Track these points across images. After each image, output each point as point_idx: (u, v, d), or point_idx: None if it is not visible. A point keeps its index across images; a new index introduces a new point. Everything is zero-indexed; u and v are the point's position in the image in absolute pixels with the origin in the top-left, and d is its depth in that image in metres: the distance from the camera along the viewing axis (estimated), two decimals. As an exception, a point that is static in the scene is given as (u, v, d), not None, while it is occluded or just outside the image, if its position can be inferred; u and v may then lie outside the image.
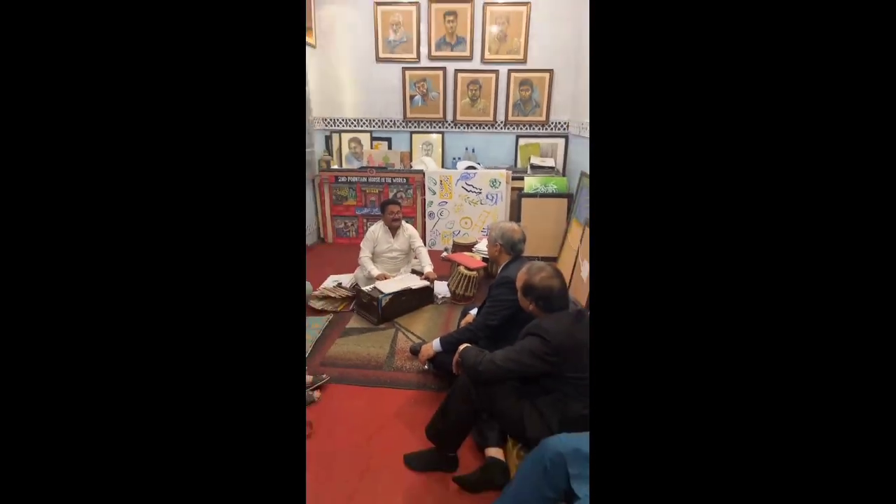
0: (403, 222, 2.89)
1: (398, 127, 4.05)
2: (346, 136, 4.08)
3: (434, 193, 3.71)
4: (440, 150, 4.05)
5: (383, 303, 2.39)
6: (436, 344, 1.82)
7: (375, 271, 2.69)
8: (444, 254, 3.56)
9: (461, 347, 1.47)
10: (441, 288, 2.81)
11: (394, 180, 3.75)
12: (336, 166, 4.05)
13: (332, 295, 2.60)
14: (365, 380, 1.88)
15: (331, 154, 4.10)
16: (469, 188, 3.67)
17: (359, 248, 2.84)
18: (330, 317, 2.45)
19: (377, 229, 2.82)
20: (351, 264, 3.14)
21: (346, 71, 3.91)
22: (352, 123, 4.08)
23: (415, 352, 2.03)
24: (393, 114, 4.01)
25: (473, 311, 2.00)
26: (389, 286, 2.50)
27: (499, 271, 1.84)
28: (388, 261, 2.86)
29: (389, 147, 4.10)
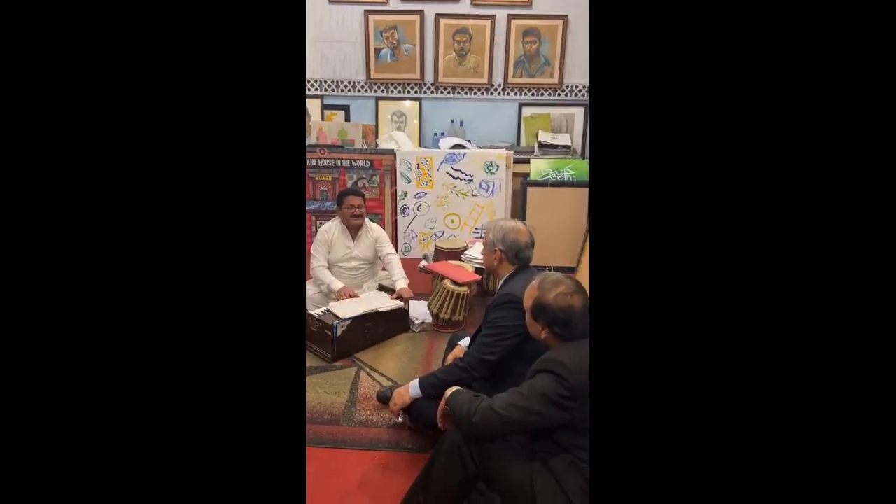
0: (367, 220, 2.90)
1: (359, 91, 4.05)
2: None
3: (409, 181, 3.73)
4: (416, 122, 4.07)
5: (339, 331, 2.39)
6: (413, 387, 1.83)
7: (337, 284, 2.69)
8: (423, 263, 3.55)
9: (448, 392, 1.48)
10: (419, 310, 2.81)
11: (353, 163, 3.76)
12: None
13: None
14: (315, 438, 1.87)
15: None
16: (456, 174, 3.70)
17: (308, 258, 2.84)
18: None
19: (331, 229, 2.82)
20: None
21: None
22: None
23: (384, 399, 2.04)
24: (352, 73, 4.02)
25: (465, 342, 2.00)
26: (348, 309, 2.50)
27: (498, 287, 1.86)
28: (347, 273, 2.86)
29: (347, 118, 4.11)
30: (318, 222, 3.83)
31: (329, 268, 2.84)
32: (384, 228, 3.70)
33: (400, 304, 2.63)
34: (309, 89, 4.06)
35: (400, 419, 1.93)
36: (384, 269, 2.94)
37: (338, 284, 2.69)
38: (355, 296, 2.65)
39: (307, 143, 3.90)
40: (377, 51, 3.94)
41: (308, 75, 4.03)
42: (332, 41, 3.96)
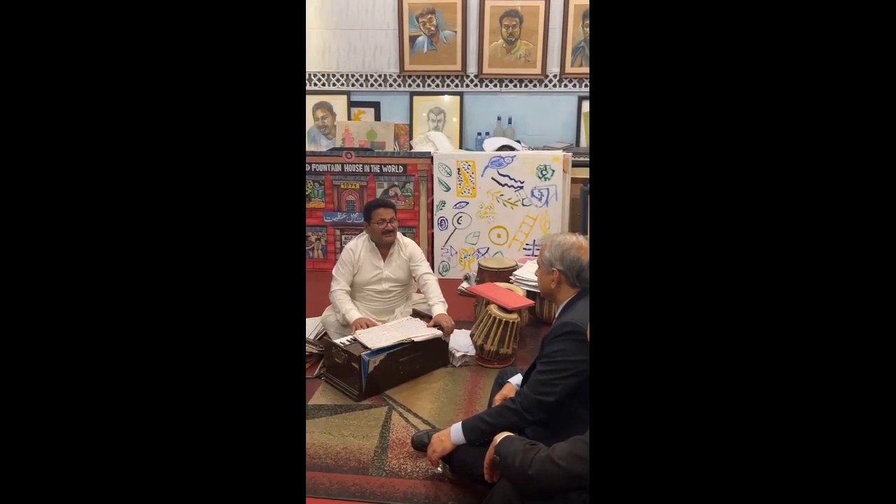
0: (400, 235, 2.93)
1: (391, 85, 4.15)
2: (309, 101, 4.21)
3: (448, 189, 3.77)
4: (457, 120, 4.13)
5: (370, 365, 2.40)
6: (455, 432, 1.81)
7: (354, 313, 2.72)
8: (465, 285, 3.56)
9: (498, 438, 1.47)
10: (461, 340, 2.81)
11: (384, 168, 3.82)
12: None
13: None
14: (341, 489, 1.88)
15: None
16: (504, 180, 3.72)
17: (329, 278, 2.89)
18: None
19: (358, 247, 2.86)
20: (316, 302, 3.21)
21: (311, 0, 4.06)
22: (319, 81, 4.20)
23: (420, 445, 2.04)
24: (383, 65, 4.11)
25: (515, 380, 1.99)
26: (378, 338, 2.51)
27: (557, 314, 1.84)
28: (376, 297, 2.89)
29: (377, 117, 4.19)
30: (342, 237, 3.91)
31: (354, 292, 2.88)
32: (419, 244, 3.72)
33: (438, 333, 2.63)
34: (334, 84, 4.19)
35: (439, 469, 1.92)
36: (419, 291, 2.96)
37: (354, 314, 2.69)
38: (371, 325, 2.67)
39: (332, 147, 4.02)
40: (412, 39, 4.03)
41: (333, 68, 4.16)
42: (360, 29, 4.07)
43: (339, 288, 2.80)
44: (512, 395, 1.81)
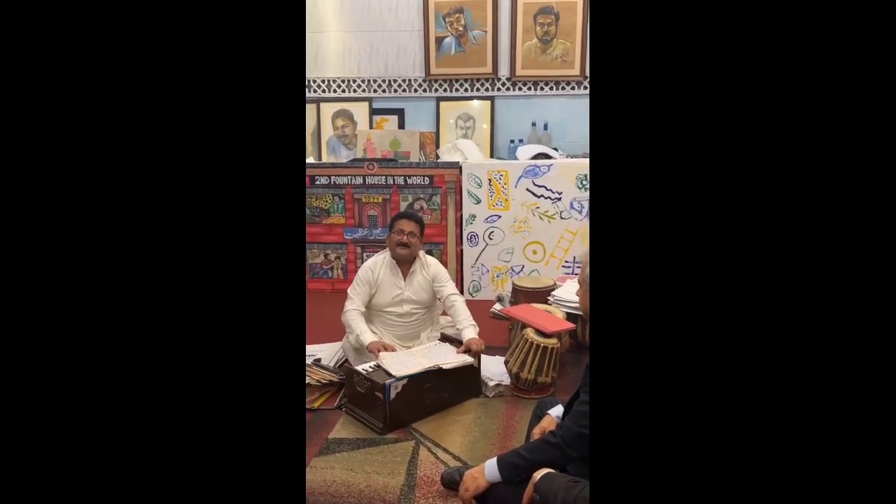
0: (422, 254, 2.94)
1: (416, 90, 4.20)
2: (328, 109, 4.28)
3: (478, 202, 3.79)
4: (488, 127, 4.15)
5: (393, 394, 2.39)
6: (489, 469, 1.79)
7: (368, 336, 2.72)
8: (498, 307, 3.53)
9: (537, 476, 1.46)
10: (494, 368, 2.80)
11: (409, 180, 3.86)
12: (311, 159, 4.22)
13: (307, 381, 2.66)
14: (363, 531, 1.90)
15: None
16: (540, 191, 3.73)
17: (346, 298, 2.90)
18: None
19: (377, 265, 2.88)
20: (336, 327, 3.22)
21: (329, 0, 4.13)
22: (339, 87, 4.27)
23: (451, 483, 2.03)
24: (407, 69, 4.17)
25: (556, 411, 1.97)
26: (403, 365, 2.51)
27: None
28: (398, 321, 2.91)
29: (401, 125, 4.24)
30: (364, 255, 3.94)
31: (371, 314, 2.89)
32: (446, 261, 3.81)
33: (469, 359, 2.62)
34: (355, 90, 4.25)
35: (471, 510, 1.92)
36: (446, 313, 2.96)
37: (368, 337, 2.69)
38: (389, 348, 2.66)
39: (354, 158, 4.07)
40: (439, 40, 4.06)
41: (354, 73, 4.21)
42: (383, 31, 4.12)
43: (352, 308, 2.81)
44: (552, 427, 1.81)
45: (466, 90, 4.16)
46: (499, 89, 4.13)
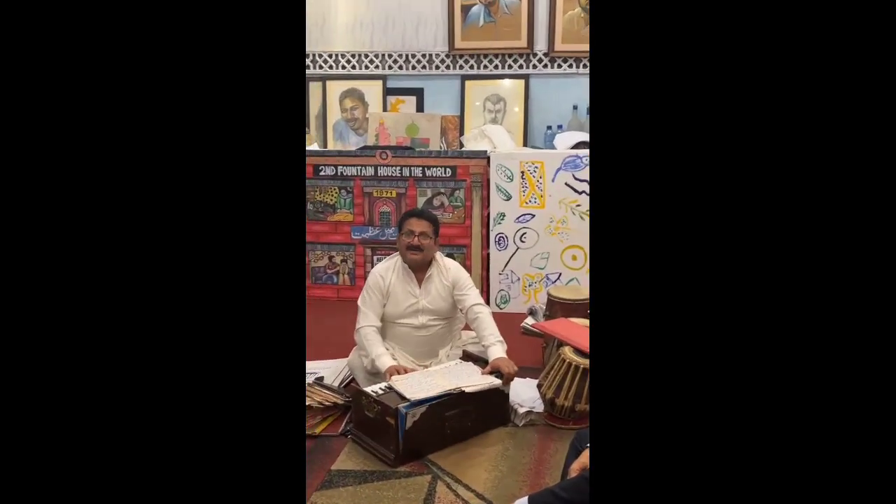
0: (440, 257, 2.92)
1: (438, 68, 4.19)
2: (335, 88, 4.29)
3: (508, 198, 3.77)
4: (521, 110, 4.12)
5: (408, 421, 2.37)
6: (519, 513, 1.68)
7: (386, 360, 2.70)
8: (530, 321, 3.47)
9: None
10: (525, 392, 2.75)
11: (428, 171, 3.86)
12: (315, 146, 4.21)
13: (308, 402, 2.64)
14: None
15: (307, 125, 4.26)
16: (580, 186, 3.70)
17: (355, 309, 2.88)
18: None
19: (389, 271, 2.86)
20: (341, 340, 3.19)
21: (339, -33, 4.17)
22: (348, 63, 4.28)
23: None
24: (428, 43, 4.17)
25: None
26: (419, 386, 2.49)
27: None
28: (413, 334, 2.87)
29: (420, 107, 4.25)
30: (375, 258, 3.90)
31: (388, 328, 2.86)
32: (471, 267, 3.76)
33: (495, 382, 2.59)
34: (367, 66, 4.23)
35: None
36: (469, 327, 2.92)
37: (386, 361, 2.68)
38: (412, 371, 2.66)
39: (363, 145, 4.04)
40: (465, 9, 4.06)
41: (366, 47, 4.21)
42: (400, 1, 4.13)
43: (367, 324, 2.80)
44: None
45: (496, 67, 4.12)
46: (534, 66, 4.08)
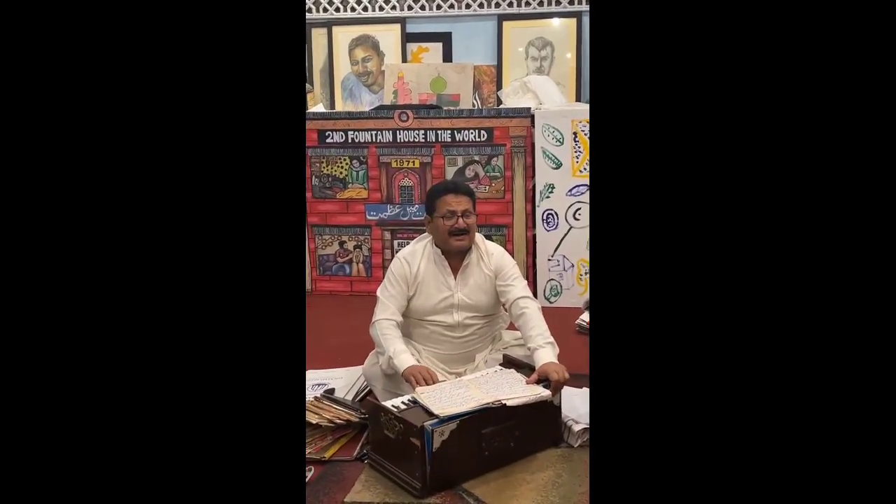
0: (481, 239, 2.94)
1: (468, 7, 4.20)
2: (344, 36, 4.34)
3: (559, 166, 3.79)
4: (573, 57, 4.14)
5: (437, 442, 2.39)
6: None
7: (406, 358, 2.73)
8: (585, 317, 3.54)
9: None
10: (580, 405, 2.77)
11: (459, 135, 3.87)
12: (320, 108, 4.27)
13: (313, 419, 2.69)
14: None
15: (308, 80, 4.33)
16: (648, 150, 3.71)
17: (373, 304, 2.91)
18: (308, 473, 2.50)
19: (416, 255, 2.90)
20: (355, 344, 3.24)
21: None
22: (357, 3, 4.30)
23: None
24: None
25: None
26: (450, 399, 2.52)
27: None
28: (446, 335, 2.91)
29: (447, 56, 4.27)
30: (395, 243, 3.97)
31: (415, 326, 2.90)
32: (513, 252, 3.78)
33: (544, 393, 2.59)
34: (380, 8, 4.26)
35: None
36: (513, 326, 2.95)
37: (406, 360, 2.71)
38: (434, 377, 2.66)
39: (380, 104, 4.08)
40: None
41: None
42: None
43: (384, 317, 2.82)
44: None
45: (542, 4, 4.13)
46: (589, 1, 4.04)
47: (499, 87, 4.14)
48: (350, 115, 4.02)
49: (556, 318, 3.16)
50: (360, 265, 4.09)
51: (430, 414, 2.41)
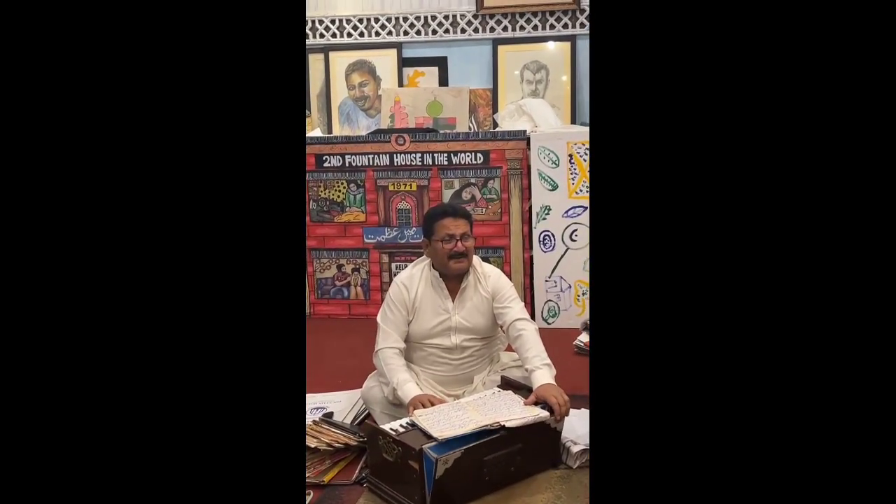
0: (479, 262, 2.95)
1: (463, 31, 4.22)
2: (341, 61, 4.36)
3: (555, 188, 3.80)
4: (568, 80, 4.15)
5: (439, 468, 2.39)
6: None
7: (411, 388, 2.73)
8: (583, 338, 3.53)
9: None
10: (579, 427, 2.77)
11: (455, 158, 3.88)
12: (317, 132, 4.29)
13: (311, 443, 2.69)
14: None
15: (307, 106, 4.35)
16: (643, 171, 3.72)
17: (372, 328, 2.92)
18: (307, 497, 2.49)
19: (415, 281, 2.91)
20: (354, 367, 3.24)
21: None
22: (355, 29, 4.33)
23: None
24: (450, 1, 4.19)
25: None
26: (449, 422, 2.52)
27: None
28: (444, 357, 2.91)
29: (444, 80, 4.28)
30: (392, 266, 3.97)
31: (413, 350, 2.91)
32: (510, 273, 3.79)
33: (542, 414, 2.59)
34: (377, 33, 4.29)
35: None
36: (510, 348, 2.95)
37: (411, 390, 2.70)
38: (437, 403, 2.66)
39: (377, 128, 4.10)
40: None
41: (376, 9, 4.27)
42: None
43: (387, 346, 2.83)
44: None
45: (536, 28, 4.16)
46: (583, 25, 4.10)
47: (494, 110, 4.16)
48: (347, 140, 4.04)
49: (554, 339, 3.18)
50: (359, 288, 4.11)
51: (429, 437, 2.41)
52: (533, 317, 3.64)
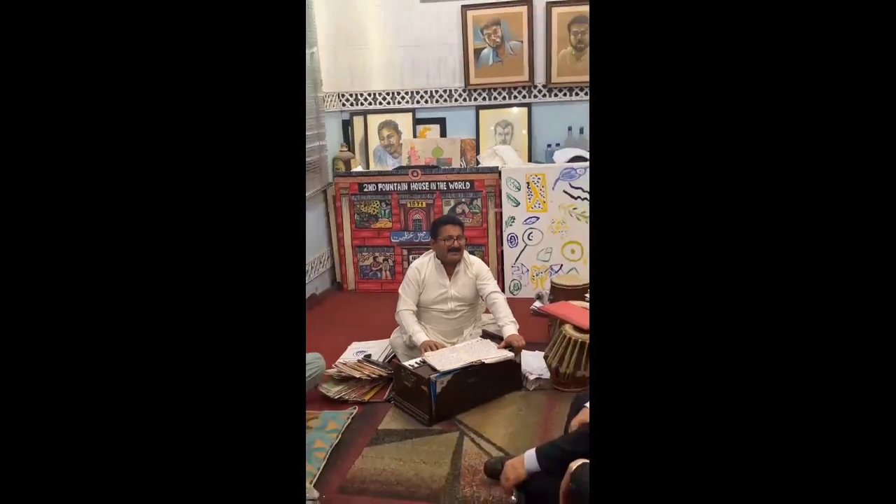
0: (466, 254, 2.97)
1: (457, 100, 4.22)
2: (374, 121, 4.35)
3: (517, 204, 3.80)
4: (526, 132, 4.15)
5: (439, 388, 2.44)
6: (529, 459, 1.81)
7: (421, 336, 2.78)
8: (537, 304, 3.54)
9: (574, 465, 1.46)
10: (534, 363, 2.81)
11: (451, 185, 3.91)
12: (360, 168, 4.30)
13: (356, 375, 2.70)
14: (410, 518, 1.91)
15: (351, 149, 4.36)
16: (576, 192, 3.71)
17: (396, 298, 2.96)
18: (353, 411, 2.54)
19: (424, 266, 2.93)
20: (384, 324, 3.25)
21: (373, 18, 4.18)
22: (383, 100, 4.33)
23: (494, 472, 2.03)
24: (447, 80, 4.20)
25: (592, 404, 1.94)
26: (447, 360, 2.55)
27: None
28: (443, 317, 2.94)
29: (443, 133, 4.29)
30: (410, 257, 4.00)
31: (420, 312, 2.94)
32: (488, 261, 3.78)
33: (509, 354, 2.64)
34: (399, 101, 4.31)
35: (514, 498, 1.90)
36: (488, 311, 2.98)
37: (421, 336, 2.76)
38: (440, 347, 2.70)
39: (399, 165, 4.13)
40: (477, 52, 4.08)
41: (397, 85, 4.27)
42: (423, 45, 4.17)
43: (405, 308, 2.88)
44: (589, 420, 1.77)
45: (504, 98, 4.16)
46: (535, 96, 4.12)
47: (477, 153, 4.16)
48: (380, 173, 4.05)
49: (517, 305, 3.18)
50: (387, 272, 4.12)
51: (434, 370, 2.46)
52: (503, 290, 3.73)
